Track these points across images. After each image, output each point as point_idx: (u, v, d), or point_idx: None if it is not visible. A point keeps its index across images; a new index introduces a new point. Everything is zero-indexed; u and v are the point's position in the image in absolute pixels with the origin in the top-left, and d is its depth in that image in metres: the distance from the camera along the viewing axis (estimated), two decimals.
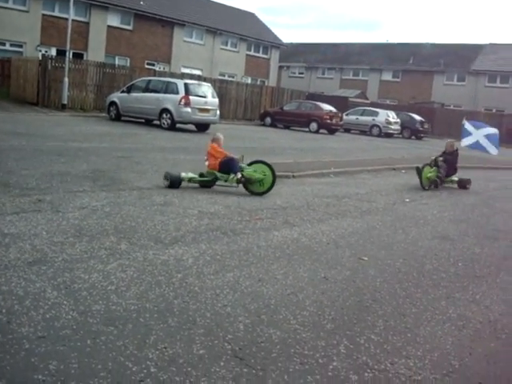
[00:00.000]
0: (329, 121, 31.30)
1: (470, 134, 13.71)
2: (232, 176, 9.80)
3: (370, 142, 27.93)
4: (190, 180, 9.92)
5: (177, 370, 3.44)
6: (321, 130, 31.24)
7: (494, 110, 47.98)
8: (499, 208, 11.33)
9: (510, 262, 7.08)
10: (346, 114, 35.68)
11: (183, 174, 9.86)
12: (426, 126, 36.88)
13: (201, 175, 10.08)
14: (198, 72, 38.22)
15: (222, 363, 3.59)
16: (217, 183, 10.09)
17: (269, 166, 9.91)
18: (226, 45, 43.74)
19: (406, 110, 40.27)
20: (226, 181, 9.93)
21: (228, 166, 9.85)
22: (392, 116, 35.69)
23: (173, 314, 4.28)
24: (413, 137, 36.97)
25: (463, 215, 10.09)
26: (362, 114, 36.46)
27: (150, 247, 5.99)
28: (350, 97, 46.57)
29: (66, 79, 24.90)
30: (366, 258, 6.47)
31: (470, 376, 3.82)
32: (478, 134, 13.55)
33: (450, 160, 13.15)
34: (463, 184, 13.46)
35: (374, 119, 35.38)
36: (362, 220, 8.75)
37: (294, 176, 12.54)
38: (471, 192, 13.33)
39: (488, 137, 13.63)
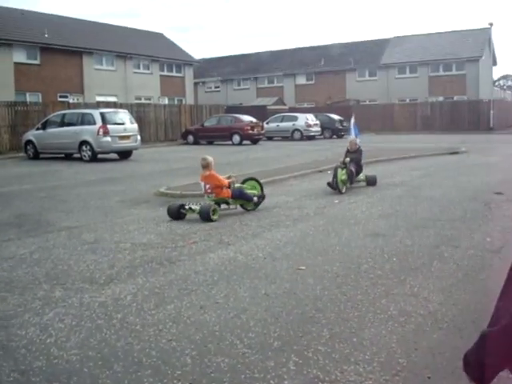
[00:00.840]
0: (250, 131, 31.62)
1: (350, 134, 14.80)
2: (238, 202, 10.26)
3: (294, 147, 28.33)
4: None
5: None
6: (244, 142, 31.48)
7: (407, 100, 49.78)
8: (424, 196, 11.69)
9: (440, 249, 7.30)
10: (267, 123, 36.17)
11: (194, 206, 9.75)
12: (344, 124, 37.67)
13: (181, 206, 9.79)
14: (113, 99, 37.71)
15: None
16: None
17: (257, 181, 10.89)
18: (139, 68, 43.45)
19: (324, 111, 41.32)
20: (229, 204, 10.19)
21: (241, 196, 10.18)
22: (311, 119, 36.46)
23: (117, 358, 4.17)
24: (334, 136, 37.88)
25: (391, 209, 10.36)
26: (282, 121, 37.05)
27: (86, 290, 5.83)
28: (268, 105, 47.32)
29: None
30: (303, 268, 6.53)
31: (419, 372, 3.90)
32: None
33: (354, 158, 13.37)
34: (372, 181, 13.66)
35: (294, 124, 36.01)
36: (295, 228, 8.84)
37: None
38: (397, 184, 13.72)
39: None
